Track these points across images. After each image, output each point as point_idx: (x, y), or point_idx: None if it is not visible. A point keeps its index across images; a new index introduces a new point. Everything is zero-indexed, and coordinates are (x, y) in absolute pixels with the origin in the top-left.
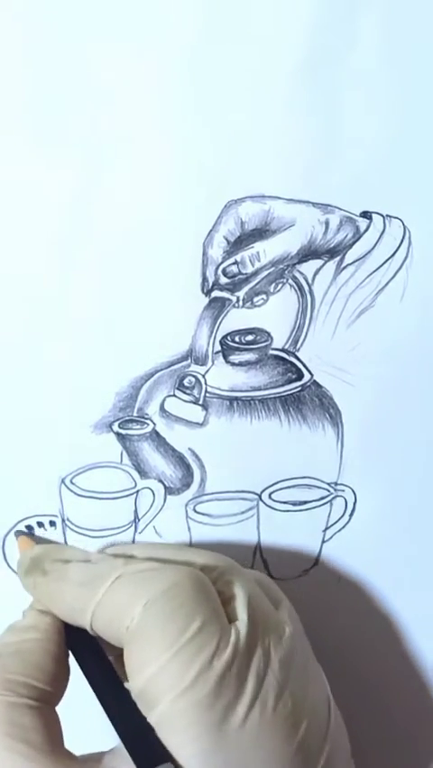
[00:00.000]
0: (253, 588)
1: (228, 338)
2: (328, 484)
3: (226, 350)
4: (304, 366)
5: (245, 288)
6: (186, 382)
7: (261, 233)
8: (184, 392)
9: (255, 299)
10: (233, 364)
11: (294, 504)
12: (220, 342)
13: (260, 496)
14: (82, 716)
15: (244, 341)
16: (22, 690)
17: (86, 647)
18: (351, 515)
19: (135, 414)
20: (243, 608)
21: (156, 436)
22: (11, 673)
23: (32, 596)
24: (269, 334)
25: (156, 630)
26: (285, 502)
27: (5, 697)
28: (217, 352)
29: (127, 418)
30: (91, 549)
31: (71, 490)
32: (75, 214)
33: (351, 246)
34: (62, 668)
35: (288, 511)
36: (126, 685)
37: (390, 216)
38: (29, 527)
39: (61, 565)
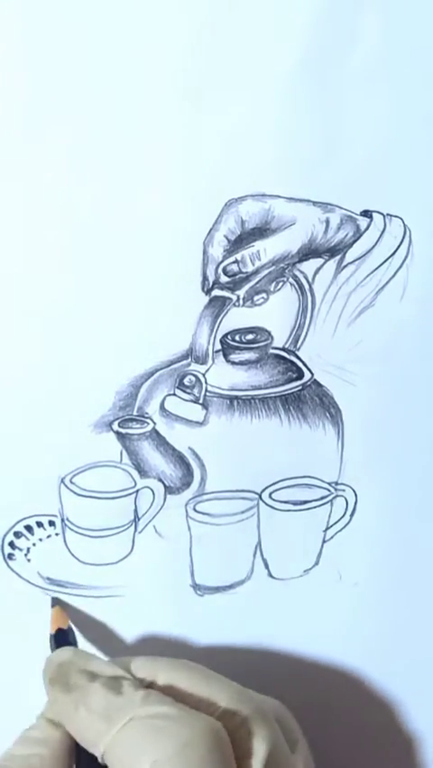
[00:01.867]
0: (273, 738)
1: (228, 337)
2: (329, 484)
3: (227, 349)
4: (304, 365)
5: (246, 287)
6: (186, 381)
7: (261, 231)
8: (184, 391)
9: (256, 298)
10: (233, 363)
11: (295, 503)
12: (220, 340)
13: (260, 495)
14: None
15: (244, 340)
16: None
17: None
18: (352, 515)
19: (135, 413)
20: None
21: (156, 435)
22: None
23: (51, 706)
24: (269, 333)
25: None
26: (285, 502)
27: None
28: (218, 351)
29: (127, 417)
30: (101, 656)
31: (71, 490)
32: (74, 213)
33: (351, 245)
34: None
35: (288, 511)
36: None
37: (390, 215)
38: (28, 527)
39: (85, 683)
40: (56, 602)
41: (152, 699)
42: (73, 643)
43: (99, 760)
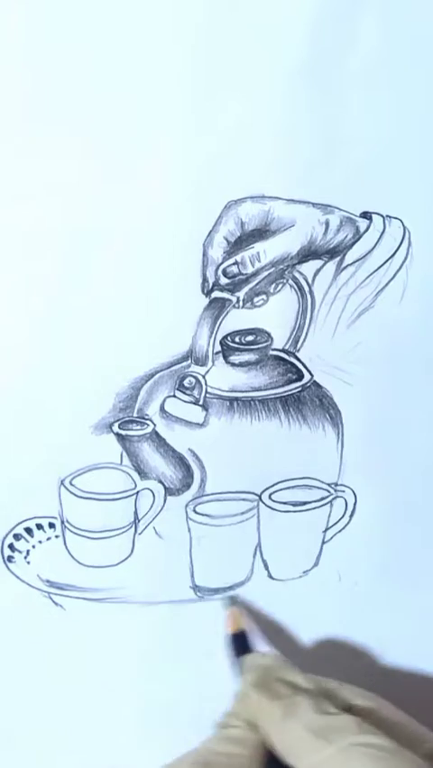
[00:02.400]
0: None
1: (228, 338)
2: (328, 485)
3: (227, 350)
4: (304, 366)
5: (245, 289)
6: (186, 383)
7: (261, 233)
8: (184, 393)
9: (255, 300)
10: (233, 365)
11: (294, 504)
12: (220, 342)
13: (260, 496)
14: None
15: (244, 341)
16: None
17: None
18: (351, 515)
19: (135, 414)
20: None
21: (156, 437)
22: None
23: (254, 712)
24: (269, 335)
25: None
26: (285, 503)
27: None
28: (218, 353)
29: (127, 419)
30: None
31: (71, 492)
32: (75, 216)
33: (351, 246)
34: None
35: (288, 512)
36: None
37: (390, 217)
38: (28, 530)
39: (291, 694)
40: (234, 602)
41: (368, 729)
42: (253, 647)
43: None
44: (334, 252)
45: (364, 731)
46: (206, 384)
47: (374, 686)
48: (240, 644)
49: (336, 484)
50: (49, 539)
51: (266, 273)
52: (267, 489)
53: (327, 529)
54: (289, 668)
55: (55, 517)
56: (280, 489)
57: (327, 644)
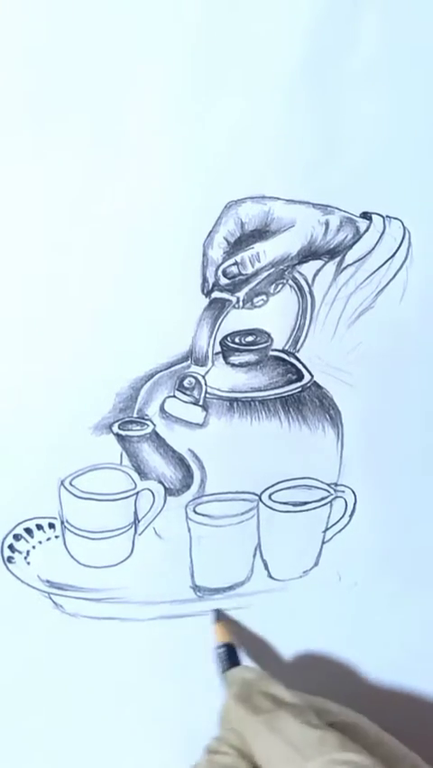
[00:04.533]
0: None
1: (228, 339)
2: (328, 485)
3: (226, 351)
4: (304, 367)
5: (245, 289)
6: (186, 383)
7: (261, 233)
8: (184, 393)
9: (255, 300)
10: (233, 365)
11: (294, 505)
12: (220, 342)
13: (260, 497)
14: None
15: (244, 342)
16: None
17: None
18: (351, 515)
19: (135, 415)
20: None
21: (156, 437)
22: None
23: (236, 726)
24: (269, 335)
25: None
26: (285, 503)
27: None
28: (217, 353)
29: (127, 419)
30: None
31: (70, 492)
32: (74, 216)
33: (351, 247)
34: None
35: (288, 512)
36: None
37: (389, 217)
38: (28, 530)
39: (273, 708)
40: (220, 616)
41: (350, 746)
42: (239, 660)
43: None
44: (334, 253)
45: (346, 748)
46: (205, 384)
47: (375, 685)
48: (227, 657)
49: (336, 484)
50: (49, 539)
51: (266, 273)
52: (267, 489)
53: (326, 529)
54: (272, 682)
55: (55, 518)
56: (280, 490)
57: (317, 659)
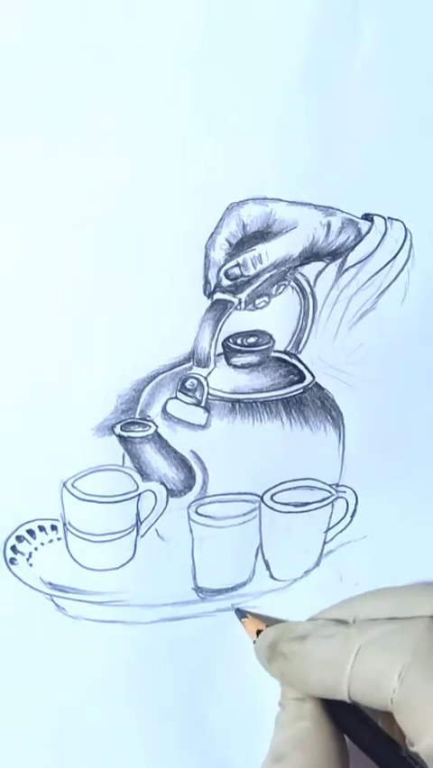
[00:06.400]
0: None
1: (230, 340)
2: (330, 486)
3: (228, 352)
4: (306, 368)
5: (247, 291)
6: (188, 384)
7: (263, 235)
8: (186, 394)
9: (257, 301)
10: (235, 366)
11: (296, 505)
12: (222, 344)
13: (262, 498)
14: None
15: (246, 343)
16: None
17: (351, 717)
18: (352, 516)
19: (137, 416)
20: None
21: (158, 438)
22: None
23: (280, 682)
24: (271, 337)
25: (423, 695)
26: (287, 504)
27: None
28: (219, 355)
29: (129, 420)
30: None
31: (72, 494)
32: (75, 216)
33: (353, 248)
34: (342, 744)
35: (289, 513)
36: (411, 748)
37: (391, 218)
38: (30, 531)
39: (298, 645)
40: (243, 612)
41: (367, 626)
42: None
43: (347, 701)
44: (336, 254)
45: (365, 630)
46: (207, 386)
47: None
48: None
49: (338, 485)
50: (51, 541)
51: (268, 275)
52: (269, 490)
53: (328, 530)
54: (292, 625)
55: (57, 519)
56: (282, 491)
57: None
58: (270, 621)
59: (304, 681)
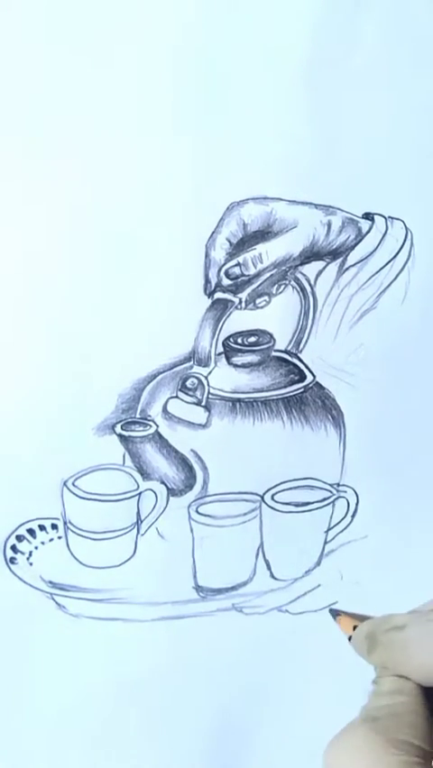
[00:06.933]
0: None
1: (231, 340)
2: (330, 485)
3: (229, 351)
4: (306, 368)
5: (248, 290)
6: (188, 384)
7: (263, 234)
8: (187, 394)
9: (258, 301)
10: (235, 366)
11: (296, 505)
12: (223, 343)
13: (262, 497)
14: None
15: (246, 342)
16: (409, 749)
17: None
18: (353, 515)
19: (138, 415)
20: None
21: (159, 438)
22: (396, 733)
23: (383, 667)
24: (271, 336)
25: None
26: (287, 503)
27: (399, 756)
28: (220, 354)
29: (130, 420)
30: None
31: (73, 493)
32: (77, 216)
33: (353, 248)
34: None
35: (290, 512)
36: None
37: (392, 218)
38: (30, 531)
39: (397, 634)
40: (336, 612)
41: None
42: None
43: None
44: (336, 254)
45: None
46: (208, 385)
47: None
48: None
49: (338, 484)
50: (51, 540)
51: (268, 274)
52: (269, 489)
53: (328, 529)
54: (386, 618)
55: (58, 518)
56: (283, 490)
57: None
58: (363, 618)
59: (405, 665)
